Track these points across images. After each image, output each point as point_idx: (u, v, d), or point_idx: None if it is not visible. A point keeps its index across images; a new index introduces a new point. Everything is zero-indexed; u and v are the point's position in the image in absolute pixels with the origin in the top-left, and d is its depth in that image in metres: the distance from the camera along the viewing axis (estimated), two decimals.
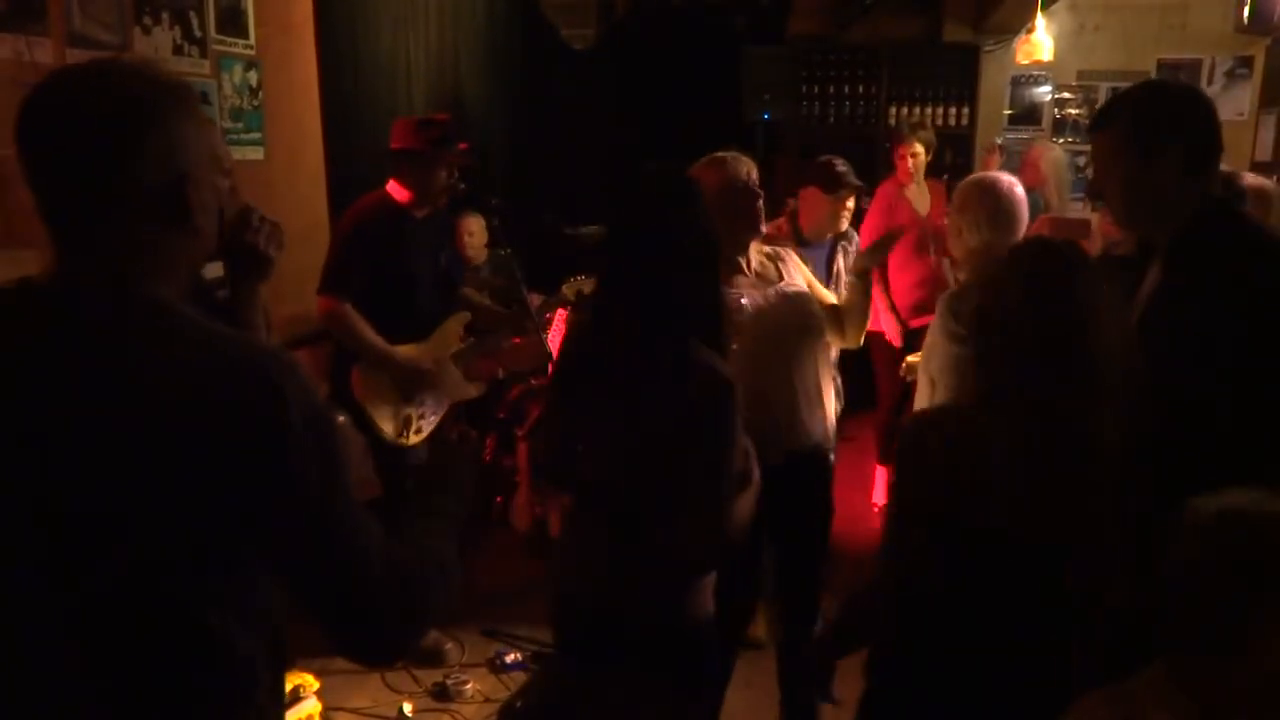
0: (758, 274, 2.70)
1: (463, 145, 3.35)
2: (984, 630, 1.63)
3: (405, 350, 3.28)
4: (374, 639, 1.23)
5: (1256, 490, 1.29)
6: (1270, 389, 1.74)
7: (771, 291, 2.65)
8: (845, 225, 3.69)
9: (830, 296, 2.87)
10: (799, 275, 2.77)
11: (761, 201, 2.65)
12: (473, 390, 3.60)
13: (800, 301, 2.70)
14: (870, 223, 4.57)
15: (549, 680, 2.11)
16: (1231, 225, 1.90)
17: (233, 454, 1.06)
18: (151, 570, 1.06)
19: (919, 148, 4.69)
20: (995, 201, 2.63)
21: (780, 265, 2.76)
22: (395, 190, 3.28)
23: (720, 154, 2.75)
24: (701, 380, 1.82)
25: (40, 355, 1.06)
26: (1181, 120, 1.89)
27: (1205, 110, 1.91)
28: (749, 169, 2.69)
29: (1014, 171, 5.29)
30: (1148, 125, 1.88)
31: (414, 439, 3.33)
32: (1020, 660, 1.63)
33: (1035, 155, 5.18)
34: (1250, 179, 3.13)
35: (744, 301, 2.59)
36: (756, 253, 2.74)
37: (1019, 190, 2.69)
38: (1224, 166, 2.12)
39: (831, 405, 2.84)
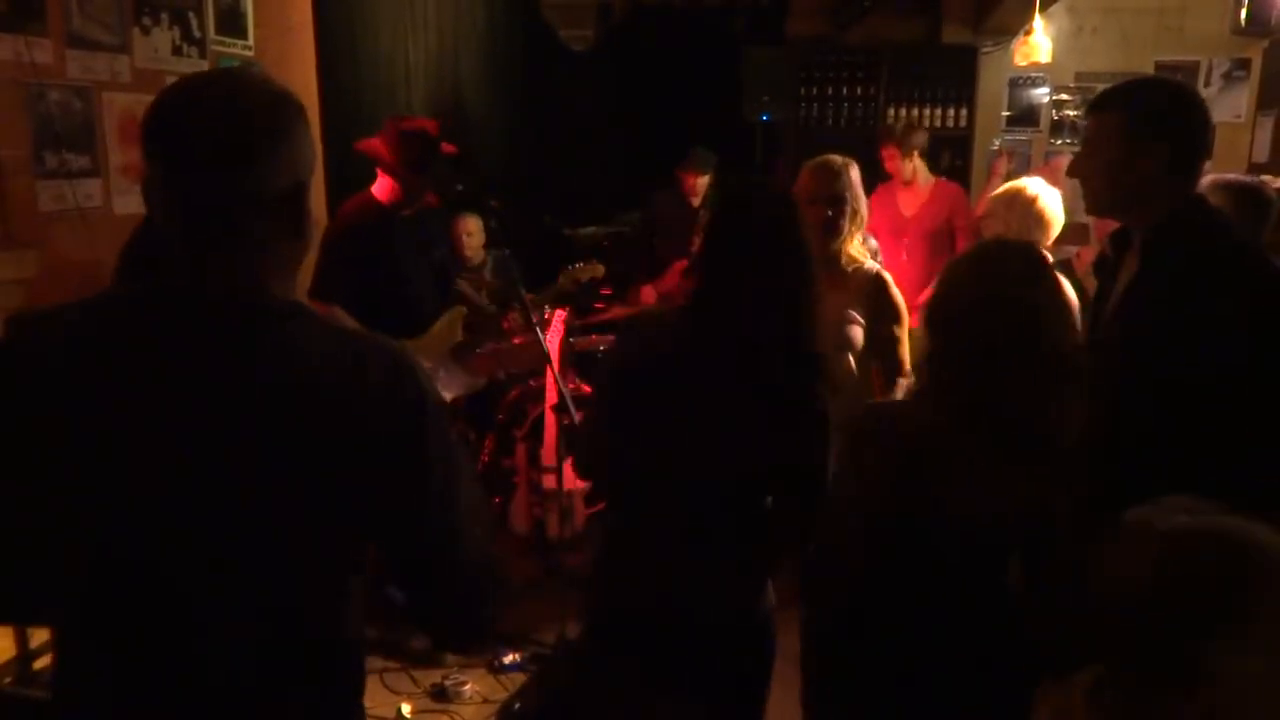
0: (834, 276, 2.71)
1: (449, 149, 3.34)
2: (928, 632, 1.61)
3: None
4: (471, 620, 1.30)
5: (1195, 500, 1.20)
6: (1237, 390, 1.74)
7: (829, 296, 2.71)
8: None
9: None
10: (860, 290, 2.83)
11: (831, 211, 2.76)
12: (475, 385, 3.61)
13: (846, 316, 2.76)
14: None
15: (548, 682, 2.10)
16: (1209, 227, 1.93)
17: (378, 439, 1.12)
18: (296, 558, 1.12)
19: (894, 149, 4.73)
20: (1027, 208, 2.78)
21: (874, 286, 2.82)
22: (380, 190, 3.29)
23: (824, 157, 2.85)
24: (804, 407, 1.82)
25: (183, 359, 1.09)
26: (1176, 119, 1.92)
27: (1200, 113, 1.95)
28: (836, 177, 2.78)
29: (1024, 172, 5.33)
30: (1142, 118, 1.92)
31: None
32: (968, 662, 1.61)
33: (1057, 165, 5.35)
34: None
35: None
36: (849, 260, 2.83)
37: (1047, 198, 2.82)
38: (1224, 169, 2.14)
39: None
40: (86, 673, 1.15)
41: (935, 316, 1.71)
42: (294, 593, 1.14)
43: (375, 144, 3.30)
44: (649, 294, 4.92)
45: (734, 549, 1.90)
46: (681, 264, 4.68)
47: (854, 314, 2.79)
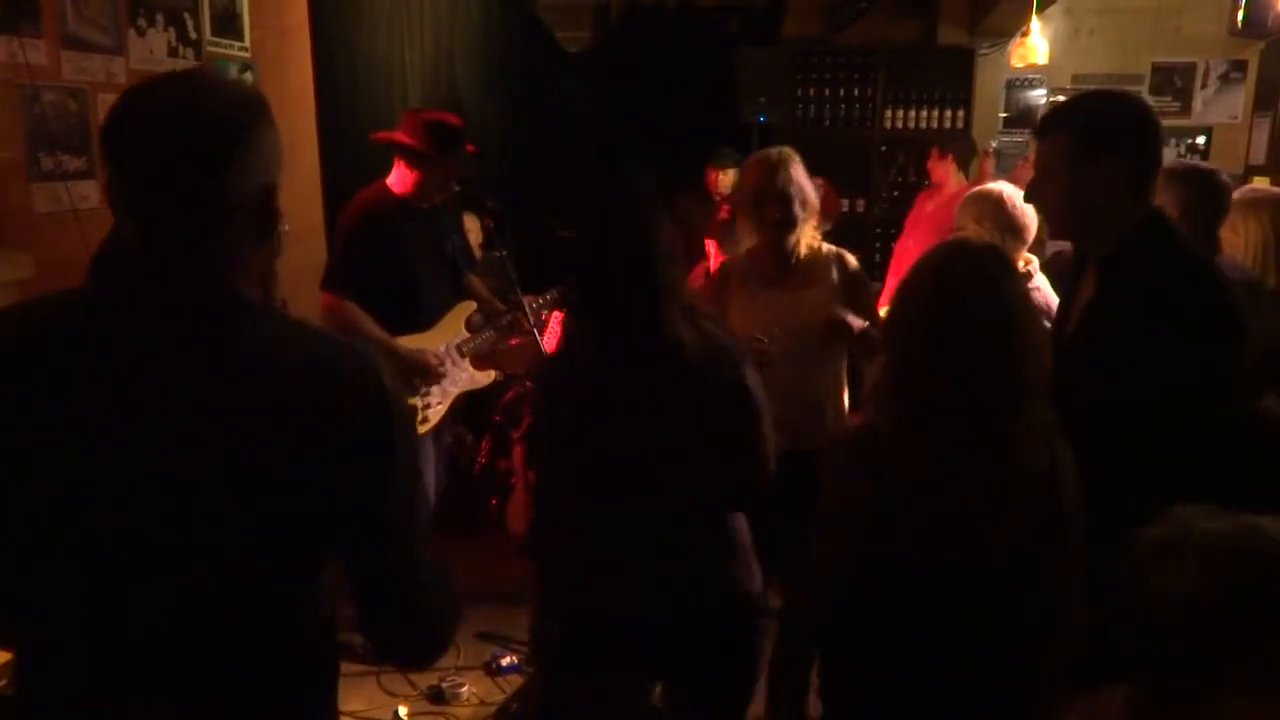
0: (795, 273, 2.74)
1: (470, 149, 3.33)
2: (922, 657, 1.58)
3: (409, 342, 3.28)
4: (424, 634, 1.29)
5: (1213, 510, 1.20)
6: (1188, 409, 1.71)
7: (801, 296, 2.70)
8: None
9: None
10: (841, 280, 2.81)
11: (780, 208, 2.70)
12: (483, 379, 3.61)
13: (825, 306, 2.73)
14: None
15: (547, 684, 2.10)
16: (1165, 246, 1.84)
17: (343, 440, 1.11)
18: (258, 558, 1.11)
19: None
20: (999, 210, 2.68)
21: (826, 270, 2.79)
22: (395, 182, 3.27)
23: (761, 152, 2.82)
24: (715, 349, 1.88)
25: (151, 359, 1.08)
26: (1129, 137, 1.83)
27: (1153, 129, 1.85)
28: (776, 172, 2.73)
29: (1009, 174, 5.34)
30: (1090, 138, 1.82)
31: (422, 429, 3.34)
32: (969, 684, 1.58)
33: (1022, 171, 5.29)
34: None
35: (763, 304, 2.69)
36: (805, 249, 2.78)
37: (1018, 200, 2.73)
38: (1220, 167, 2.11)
39: (832, 412, 2.87)
40: (51, 668, 1.14)
41: (889, 329, 1.64)
42: (256, 589, 1.13)
43: (397, 134, 3.26)
44: None
45: (693, 544, 1.93)
46: (704, 265, 4.65)
47: (841, 312, 2.75)
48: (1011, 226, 2.66)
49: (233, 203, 1.12)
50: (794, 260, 2.77)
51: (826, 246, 2.86)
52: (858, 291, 2.81)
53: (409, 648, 1.31)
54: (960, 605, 1.55)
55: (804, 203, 2.74)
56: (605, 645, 1.99)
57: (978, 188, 2.91)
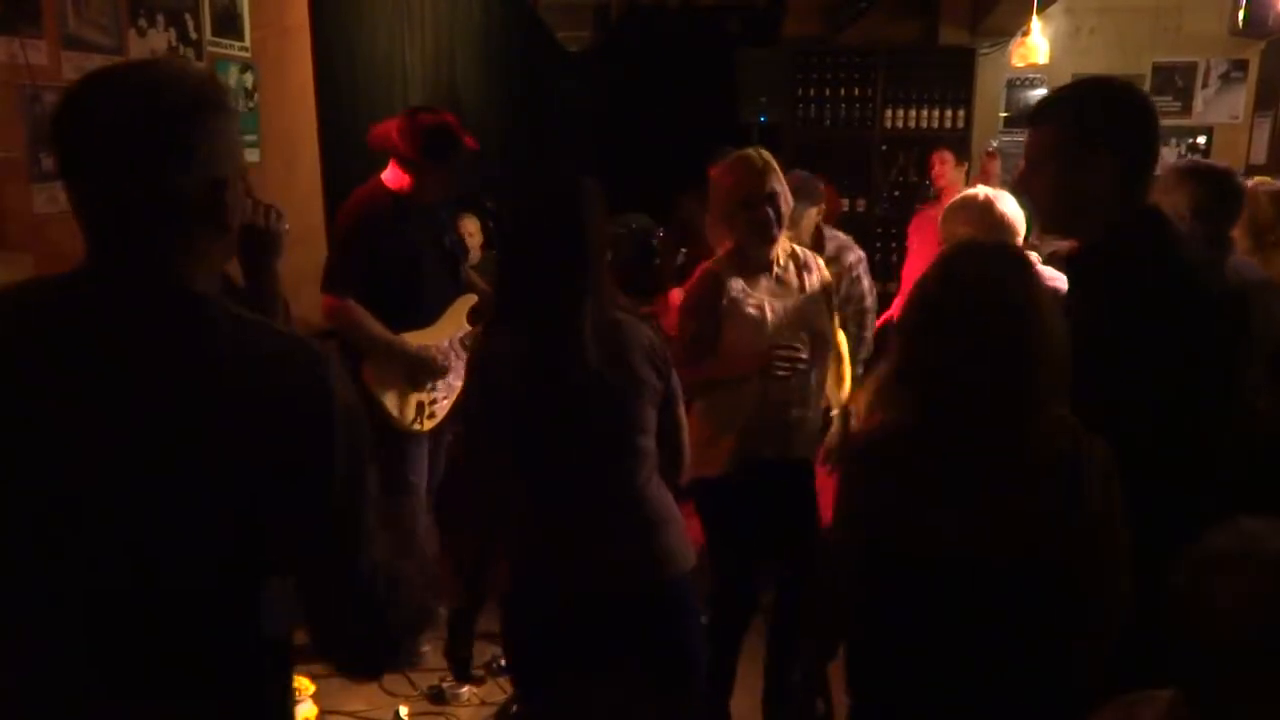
0: (778, 278, 2.71)
1: (472, 144, 3.30)
2: (954, 655, 1.57)
3: (413, 338, 3.28)
4: (359, 646, 1.23)
5: (1277, 523, 1.19)
6: (1167, 399, 1.68)
7: (791, 302, 2.68)
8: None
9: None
10: (820, 283, 2.81)
11: (771, 210, 2.67)
12: None
13: (814, 313, 2.74)
14: None
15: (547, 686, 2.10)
16: (1149, 236, 1.79)
17: (278, 442, 1.09)
18: (195, 558, 1.08)
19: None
20: (986, 214, 2.66)
21: (805, 273, 2.78)
22: (391, 179, 3.25)
23: (742, 154, 2.76)
24: (633, 325, 2.04)
25: (92, 348, 1.08)
26: (1121, 128, 1.78)
27: (1147, 118, 1.81)
28: (765, 174, 2.69)
29: (1012, 175, 5.33)
30: (1081, 129, 1.78)
31: (428, 424, 3.34)
32: (999, 682, 1.56)
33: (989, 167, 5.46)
34: None
35: (759, 309, 2.65)
36: (783, 253, 2.76)
37: (1002, 201, 2.72)
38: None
39: (820, 419, 2.88)
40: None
41: (904, 333, 1.61)
42: (197, 584, 1.10)
43: (390, 135, 3.21)
44: (677, 296, 4.89)
45: (633, 512, 2.01)
46: (707, 265, 4.64)
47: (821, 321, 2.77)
48: (999, 228, 2.66)
49: (180, 195, 1.10)
50: (778, 261, 2.75)
51: (798, 248, 2.87)
52: (827, 296, 2.84)
53: (353, 657, 1.26)
54: (984, 607, 1.53)
55: (788, 202, 2.74)
56: (571, 638, 2.00)
57: (960, 194, 2.88)
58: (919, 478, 1.55)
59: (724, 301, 2.68)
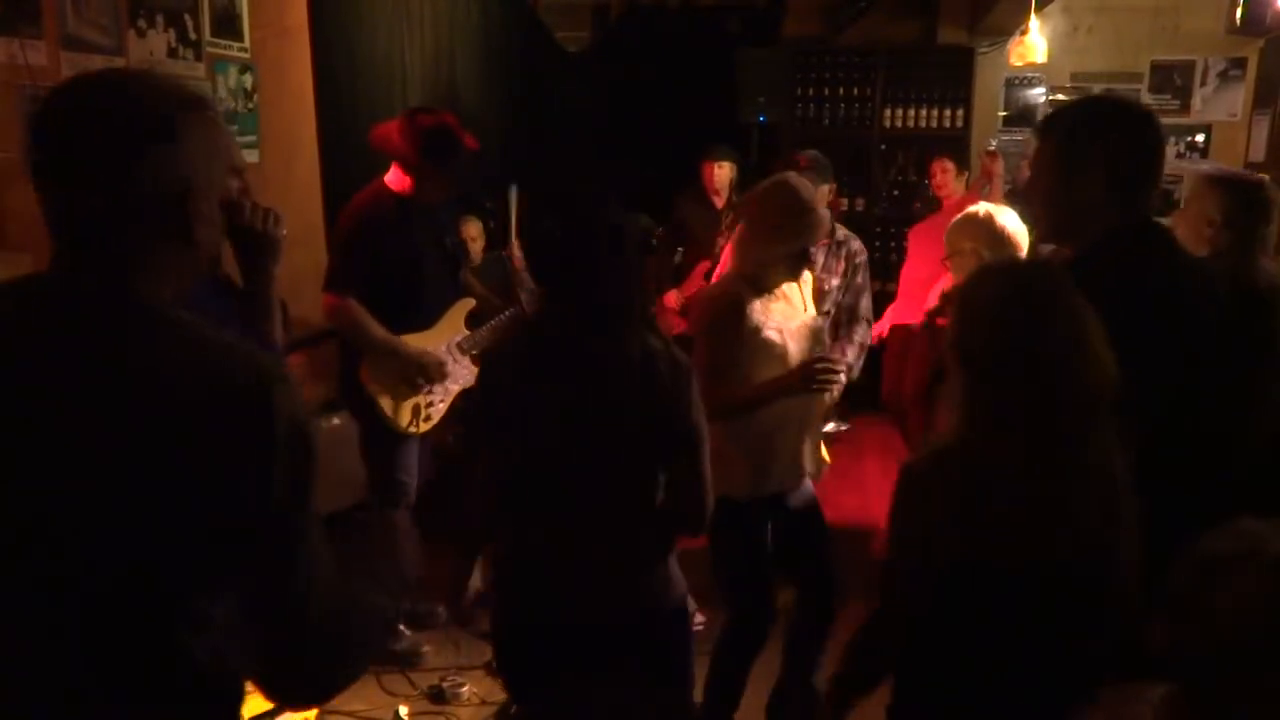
0: (784, 296, 2.70)
1: (473, 144, 3.29)
2: (1009, 667, 1.58)
3: (412, 340, 3.28)
4: (293, 675, 1.21)
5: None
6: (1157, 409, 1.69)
7: (798, 323, 2.69)
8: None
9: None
10: (809, 300, 2.82)
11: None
12: None
13: (820, 336, 2.76)
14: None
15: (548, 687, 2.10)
16: (1137, 246, 1.84)
17: (217, 461, 1.06)
18: (127, 574, 1.06)
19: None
20: (990, 229, 2.69)
21: (802, 289, 2.79)
22: (393, 180, 3.25)
23: (812, 205, 2.68)
24: (668, 361, 1.93)
25: (35, 352, 1.07)
26: (1108, 139, 1.84)
27: (1138, 131, 1.87)
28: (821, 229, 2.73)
29: (1014, 176, 5.33)
30: (1073, 141, 1.87)
31: (424, 427, 3.35)
32: (1051, 696, 1.57)
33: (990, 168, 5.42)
34: None
35: (779, 332, 2.63)
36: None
37: (1002, 215, 2.74)
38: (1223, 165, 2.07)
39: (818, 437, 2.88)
40: None
41: (964, 350, 1.62)
42: (133, 602, 1.07)
43: (391, 136, 3.21)
44: (673, 299, 4.90)
45: (634, 542, 1.99)
46: (704, 267, 4.64)
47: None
48: (1003, 242, 2.68)
49: (143, 204, 1.10)
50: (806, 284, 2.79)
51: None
52: (818, 303, 2.90)
53: (286, 686, 1.23)
54: (1038, 614, 1.55)
55: None
56: (558, 652, 2.01)
57: (963, 212, 2.89)
58: (980, 494, 1.55)
59: (747, 326, 2.58)
